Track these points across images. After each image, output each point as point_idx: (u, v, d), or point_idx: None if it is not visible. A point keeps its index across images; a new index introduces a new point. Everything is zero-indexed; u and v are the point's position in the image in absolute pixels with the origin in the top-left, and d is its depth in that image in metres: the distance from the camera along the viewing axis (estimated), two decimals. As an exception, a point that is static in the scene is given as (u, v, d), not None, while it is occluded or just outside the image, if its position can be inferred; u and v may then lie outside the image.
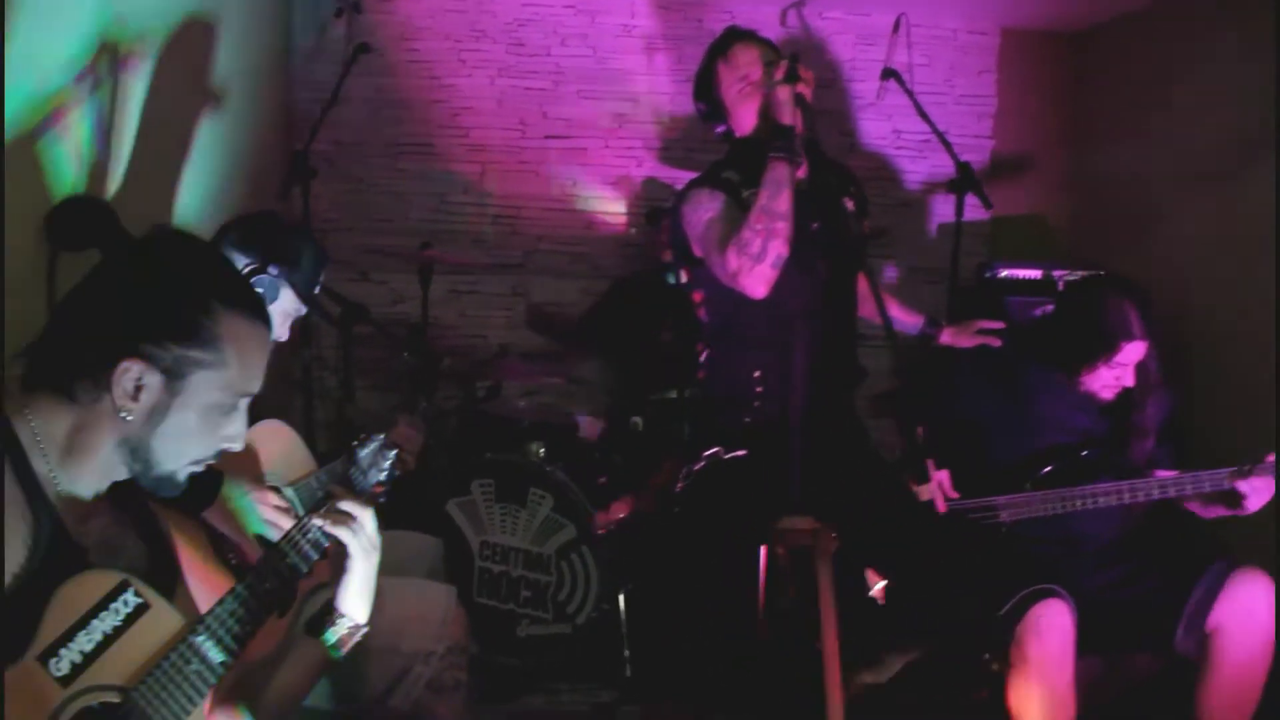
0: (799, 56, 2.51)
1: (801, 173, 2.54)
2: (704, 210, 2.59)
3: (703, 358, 2.86)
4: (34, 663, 1.25)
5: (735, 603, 2.69)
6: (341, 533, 1.62)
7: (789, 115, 2.48)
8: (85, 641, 1.31)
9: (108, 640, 1.33)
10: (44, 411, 1.41)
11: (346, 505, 1.64)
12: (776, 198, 2.44)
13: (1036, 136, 5.09)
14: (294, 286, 2.43)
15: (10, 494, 1.33)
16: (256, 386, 1.53)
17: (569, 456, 3.80)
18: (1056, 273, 4.33)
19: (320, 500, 1.69)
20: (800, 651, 2.91)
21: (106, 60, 2.63)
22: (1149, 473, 2.77)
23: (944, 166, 4.97)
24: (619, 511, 3.59)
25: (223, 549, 1.93)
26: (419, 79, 4.72)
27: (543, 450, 3.74)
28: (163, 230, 1.53)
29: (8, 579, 1.29)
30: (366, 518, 1.66)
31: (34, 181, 2.36)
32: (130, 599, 1.38)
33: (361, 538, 1.64)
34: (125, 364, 1.38)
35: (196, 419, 1.46)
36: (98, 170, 2.64)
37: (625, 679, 3.46)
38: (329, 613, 1.66)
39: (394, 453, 1.85)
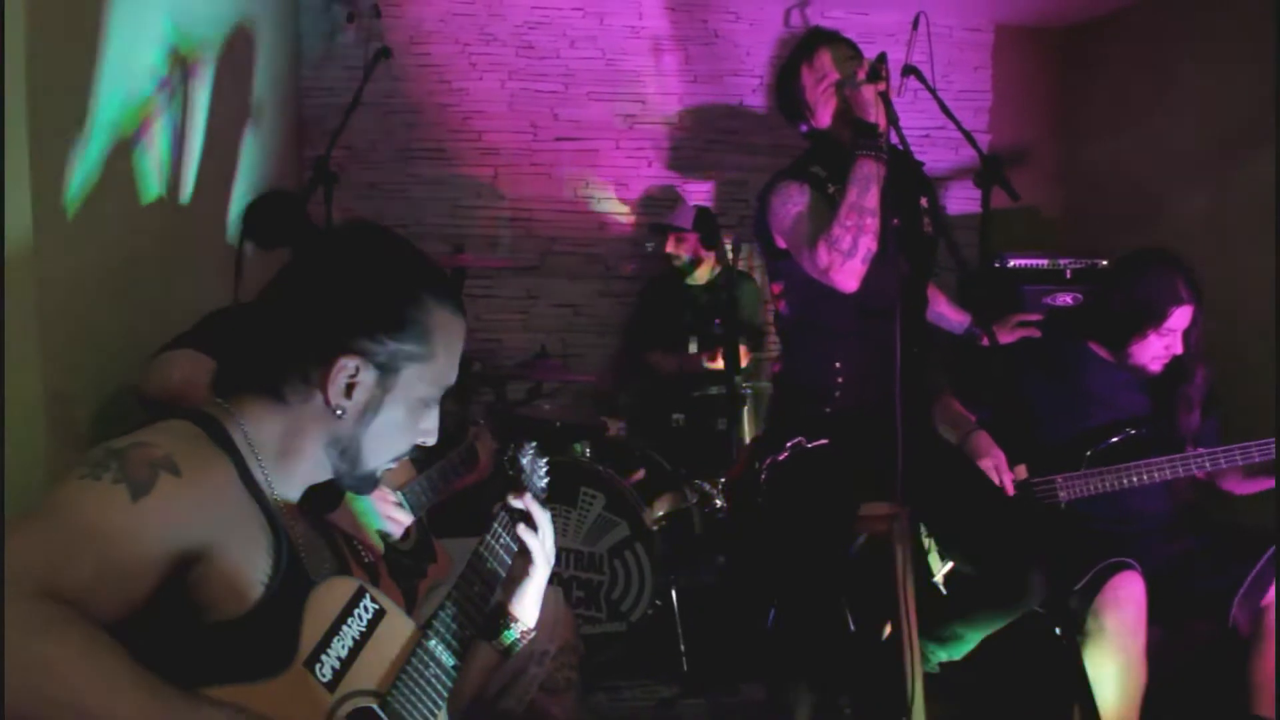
0: (884, 57, 2.56)
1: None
2: (792, 204, 2.63)
3: (780, 349, 2.91)
4: (302, 669, 1.25)
5: (822, 589, 2.74)
6: (530, 538, 1.63)
7: (873, 113, 2.53)
8: (340, 648, 1.30)
9: (357, 646, 1.33)
10: (254, 416, 1.37)
11: (533, 510, 1.65)
12: (865, 194, 2.49)
13: (1030, 131, 5.24)
14: None
15: (247, 505, 1.31)
16: (454, 378, 1.51)
17: (608, 456, 3.83)
18: (1062, 261, 4.44)
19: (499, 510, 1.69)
20: (881, 632, 2.99)
21: (179, 69, 2.61)
22: (1196, 448, 2.86)
23: (941, 161, 5.13)
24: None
25: (355, 549, 1.94)
26: (429, 83, 4.71)
27: (588, 450, 3.75)
28: (360, 224, 1.50)
29: (258, 592, 1.28)
30: (549, 523, 1.67)
31: (129, 189, 2.34)
32: (369, 605, 1.37)
33: (547, 543, 1.66)
34: (342, 360, 1.34)
35: (404, 414, 1.42)
36: (173, 178, 2.62)
37: (684, 673, 3.49)
38: (503, 616, 1.66)
39: (546, 460, 1.85)
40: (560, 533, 3.56)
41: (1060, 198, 5.24)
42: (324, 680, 1.27)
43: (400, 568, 2.21)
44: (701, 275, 4.50)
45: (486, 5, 4.70)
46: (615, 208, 4.89)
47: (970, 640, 2.79)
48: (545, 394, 4.62)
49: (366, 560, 1.95)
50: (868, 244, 2.49)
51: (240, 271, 2.34)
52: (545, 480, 1.83)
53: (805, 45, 2.77)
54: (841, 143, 2.64)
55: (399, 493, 2.40)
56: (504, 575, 1.62)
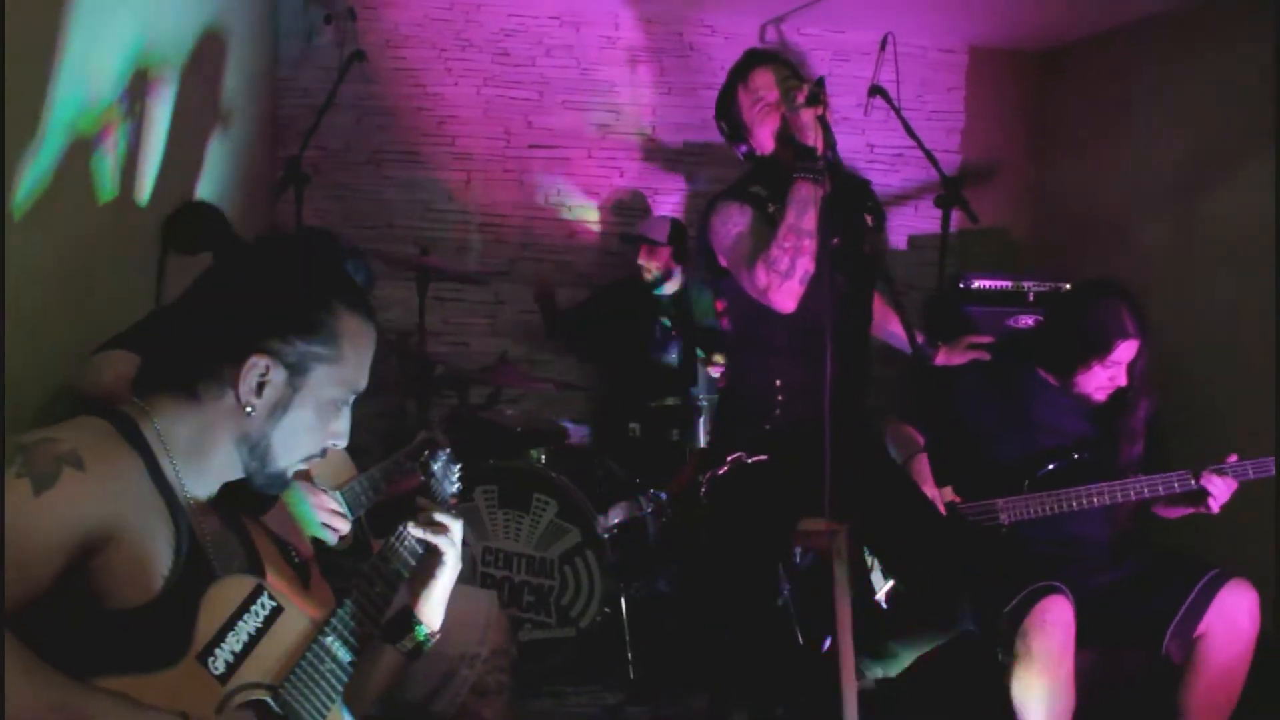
0: (823, 81, 2.59)
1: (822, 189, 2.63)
2: (733, 225, 2.67)
3: (724, 366, 2.95)
4: (194, 662, 1.30)
5: (759, 601, 2.78)
6: (440, 541, 1.67)
7: (811, 137, 2.57)
8: (234, 642, 1.35)
9: (252, 641, 1.38)
10: (167, 413, 1.42)
11: (440, 516, 1.69)
12: (803, 216, 2.52)
13: (1001, 152, 5.29)
14: None
15: (152, 500, 1.36)
16: (365, 384, 1.57)
17: (565, 463, 3.87)
18: (1027, 283, 4.47)
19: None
20: (817, 647, 3.03)
21: (142, 74, 2.65)
22: (1134, 475, 2.90)
23: (914, 180, 5.19)
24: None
25: (285, 549, 1.98)
26: (405, 87, 4.75)
27: (544, 457, 3.79)
28: (277, 234, 1.56)
29: (159, 584, 1.32)
30: (457, 529, 1.71)
31: (83, 191, 2.38)
32: (266, 602, 1.42)
33: (454, 548, 1.70)
34: (254, 359, 1.40)
35: (313, 415, 1.48)
36: (135, 179, 2.66)
37: (630, 681, 3.52)
38: (407, 619, 1.69)
39: (459, 466, 1.90)
40: (513, 537, 3.61)
41: (1029, 219, 5.29)
42: (216, 673, 1.32)
43: (335, 567, 2.25)
44: (670, 287, 4.53)
45: (463, 11, 4.75)
46: (586, 215, 4.93)
47: (905, 658, 2.84)
48: (510, 399, 4.67)
49: (296, 561, 1.98)
50: (805, 265, 2.53)
51: (162, 278, 2.40)
52: (456, 486, 1.87)
53: (740, 67, 2.81)
54: (781, 163, 2.67)
55: (337, 493, 2.44)
56: (407, 575, 1.66)
